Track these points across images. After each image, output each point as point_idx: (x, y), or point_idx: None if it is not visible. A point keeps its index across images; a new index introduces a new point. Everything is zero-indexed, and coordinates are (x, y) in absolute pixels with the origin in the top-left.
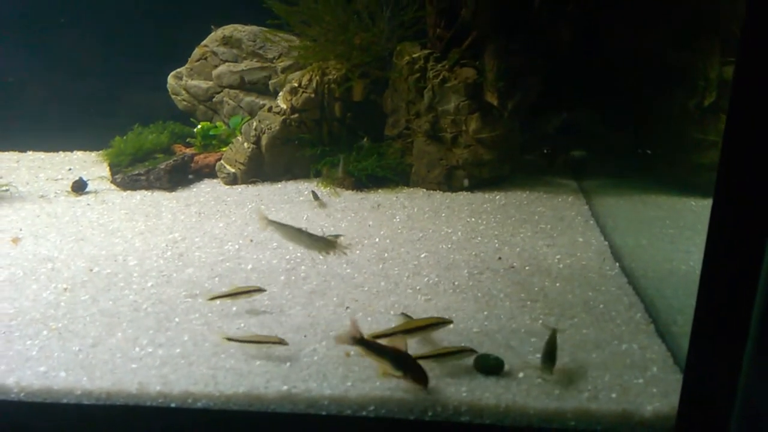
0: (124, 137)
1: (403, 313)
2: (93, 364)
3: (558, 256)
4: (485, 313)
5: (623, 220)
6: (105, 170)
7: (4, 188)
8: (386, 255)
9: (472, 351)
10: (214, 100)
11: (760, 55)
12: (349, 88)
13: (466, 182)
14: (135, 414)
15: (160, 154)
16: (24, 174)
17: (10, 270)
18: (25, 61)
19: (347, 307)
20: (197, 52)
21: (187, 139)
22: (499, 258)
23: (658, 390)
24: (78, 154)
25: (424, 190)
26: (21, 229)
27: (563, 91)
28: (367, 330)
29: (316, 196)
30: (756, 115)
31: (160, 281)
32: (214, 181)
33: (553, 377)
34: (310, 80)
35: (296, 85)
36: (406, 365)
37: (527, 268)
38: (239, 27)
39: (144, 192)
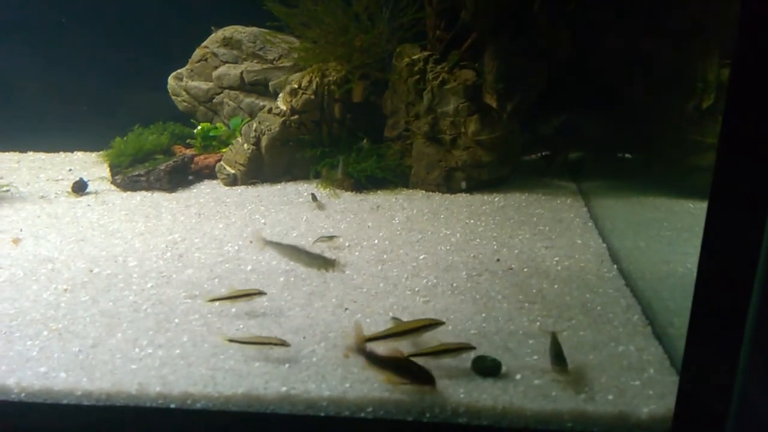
0: (125, 138)
1: (393, 317)
2: (93, 364)
3: (556, 258)
4: (483, 314)
5: (621, 222)
6: (105, 171)
7: (4, 189)
8: (385, 256)
9: (470, 348)
10: (214, 101)
11: (756, 57)
12: (348, 90)
13: (463, 184)
14: (135, 415)
15: (161, 155)
16: (24, 174)
17: (11, 270)
18: (26, 62)
19: (346, 309)
20: (198, 53)
21: (187, 140)
22: (498, 260)
23: (655, 392)
24: (78, 155)
25: (424, 191)
26: (21, 230)
27: (562, 92)
28: (366, 331)
29: (314, 198)
30: (752, 117)
31: (160, 282)
32: (214, 182)
33: (569, 377)
34: (310, 82)
35: (296, 86)
36: (410, 372)
37: (525, 269)
38: (240, 28)
39: (144, 193)
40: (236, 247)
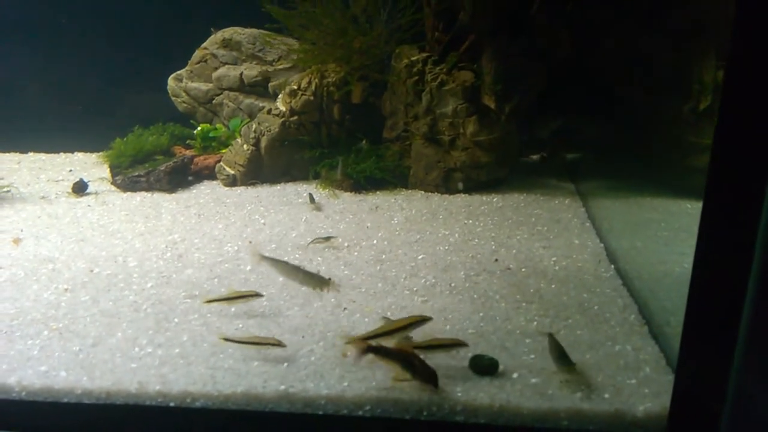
0: (125, 139)
1: (383, 317)
2: (93, 363)
3: (554, 258)
4: (481, 314)
5: (619, 223)
6: (105, 171)
7: (5, 189)
8: (384, 257)
9: (462, 344)
10: (213, 102)
11: (750, 59)
12: (347, 91)
13: (460, 185)
14: (134, 413)
15: (160, 156)
16: (25, 175)
17: (12, 270)
18: (26, 62)
19: (345, 308)
20: (197, 54)
21: (187, 141)
22: (496, 260)
23: (651, 390)
24: (79, 156)
25: (422, 192)
26: (22, 230)
27: (560, 93)
28: (365, 331)
29: (312, 199)
30: (746, 118)
31: (160, 282)
32: (214, 182)
33: (576, 376)
34: (309, 83)
35: (295, 87)
36: (415, 367)
37: (523, 269)
38: (239, 30)
39: (144, 193)
40: (236, 248)
